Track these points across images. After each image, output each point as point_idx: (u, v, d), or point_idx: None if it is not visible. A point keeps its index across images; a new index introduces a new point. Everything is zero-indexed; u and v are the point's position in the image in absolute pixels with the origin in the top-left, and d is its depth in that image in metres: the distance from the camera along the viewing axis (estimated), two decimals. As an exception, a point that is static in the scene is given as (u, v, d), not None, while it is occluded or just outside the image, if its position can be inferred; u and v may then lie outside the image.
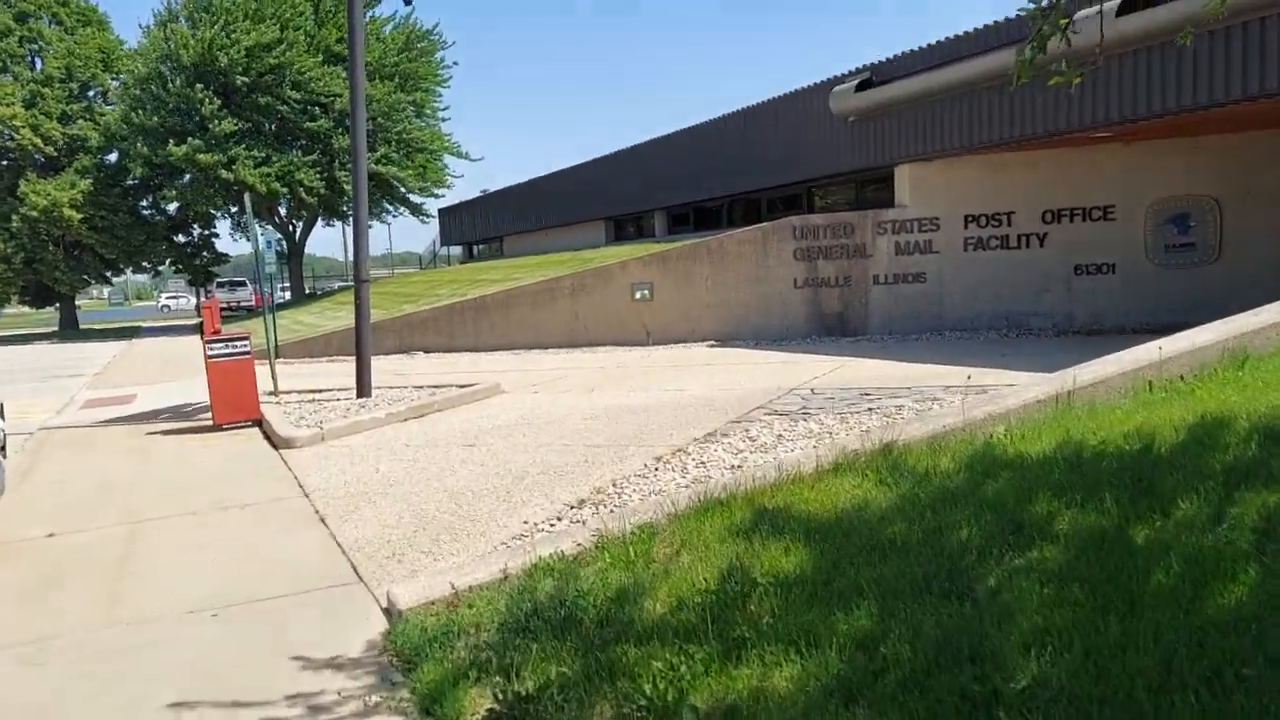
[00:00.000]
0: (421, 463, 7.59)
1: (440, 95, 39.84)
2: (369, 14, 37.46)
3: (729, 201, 21.34)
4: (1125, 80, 11.30)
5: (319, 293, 46.68)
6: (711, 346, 15.42)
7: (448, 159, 40.16)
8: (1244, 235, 13.60)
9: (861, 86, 15.02)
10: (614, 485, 6.29)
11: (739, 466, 6.29)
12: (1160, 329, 13.73)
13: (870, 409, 8.19)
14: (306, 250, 43.77)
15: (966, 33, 13.41)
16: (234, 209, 38.85)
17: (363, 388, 11.14)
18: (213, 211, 38.04)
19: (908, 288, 15.23)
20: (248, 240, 41.81)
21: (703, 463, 6.62)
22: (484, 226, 37.27)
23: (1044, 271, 14.59)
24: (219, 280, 47.06)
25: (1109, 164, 14.17)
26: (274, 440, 9.17)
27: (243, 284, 47.30)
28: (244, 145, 33.44)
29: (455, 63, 39.24)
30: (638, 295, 16.67)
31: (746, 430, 7.68)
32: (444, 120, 40.69)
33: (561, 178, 29.44)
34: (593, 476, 6.61)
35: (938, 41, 13.91)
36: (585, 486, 6.35)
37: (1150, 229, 14.09)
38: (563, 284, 17.21)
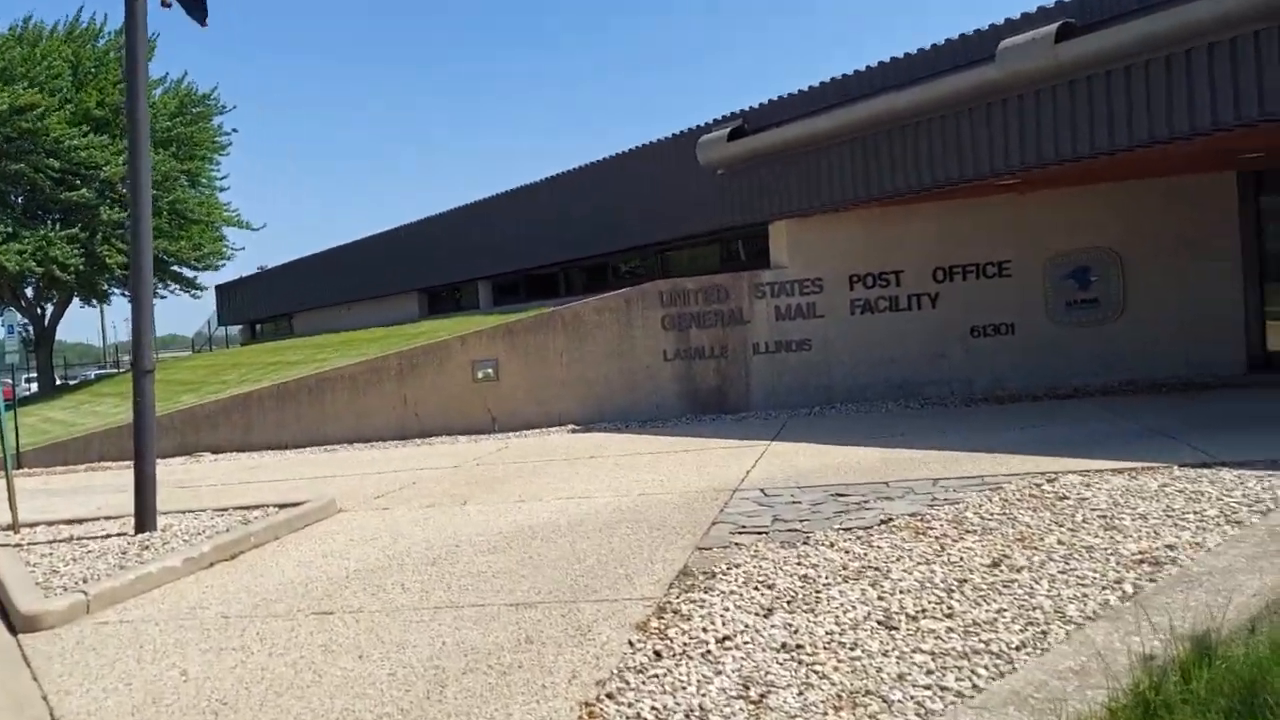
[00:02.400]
0: (257, 655, 4.88)
1: (218, 163, 36.16)
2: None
3: (567, 268, 19.26)
4: (1028, 123, 10.08)
5: (72, 382, 40.99)
6: (574, 432, 13.13)
7: (226, 230, 36.40)
8: (1148, 288, 12.77)
9: (734, 135, 13.39)
10: (608, 695, 3.89)
11: (800, 647, 4.06)
12: (1067, 393, 12.69)
13: (885, 519, 6.15)
14: (56, 336, 38.26)
15: (848, 75, 12.03)
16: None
17: (145, 516, 8.09)
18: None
19: (792, 356, 13.55)
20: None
21: (727, 637, 4.32)
22: (270, 302, 33.48)
23: (939, 334, 13.28)
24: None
25: (1002, 216, 13.11)
26: (8, 616, 6.11)
27: None
28: (-9, 222, 28.66)
29: (235, 130, 35.85)
30: (480, 375, 14.21)
31: (738, 566, 5.46)
32: (222, 189, 36.85)
33: (366, 247, 26.51)
34: (557, 674, 4.18)
35: (818, 85, 12.48)
36: (560, 701, 3.92)
37: (1050, 285, 13.07)
38: (389, 364, 14.50)
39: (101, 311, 41.15)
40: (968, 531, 5.66)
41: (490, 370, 14.19)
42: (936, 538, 5.58)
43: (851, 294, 13.43)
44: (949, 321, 13.23)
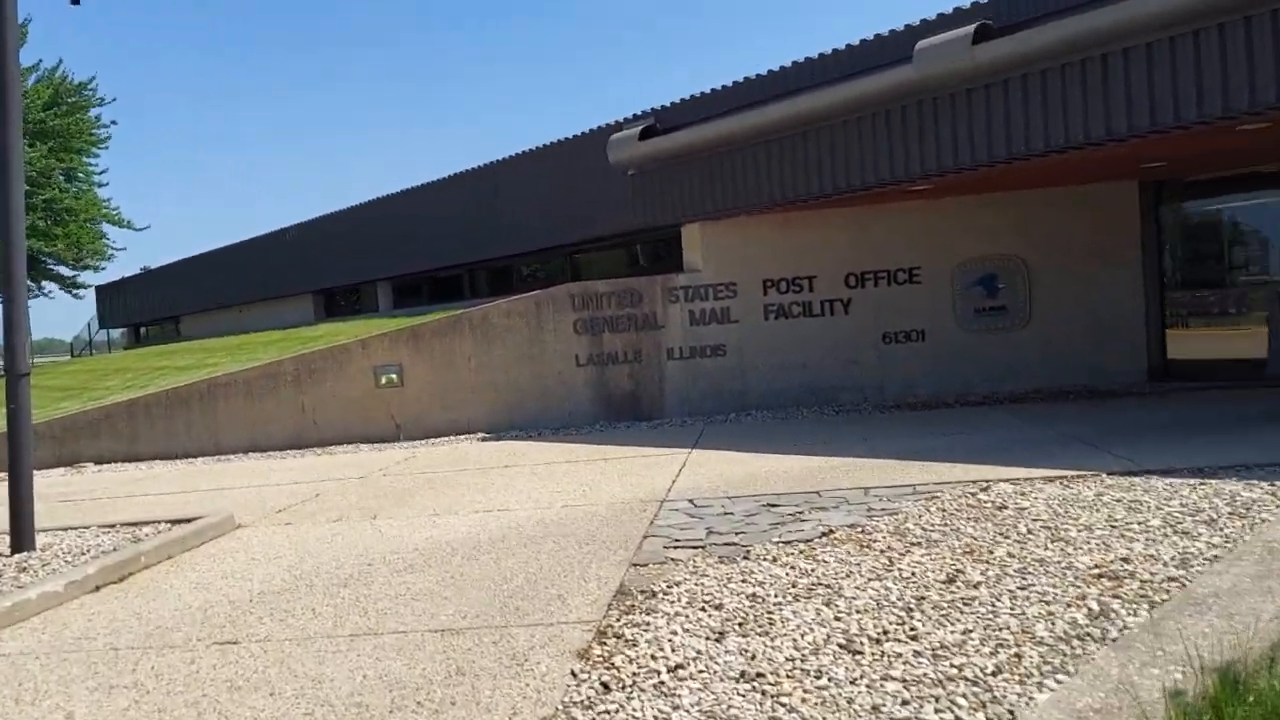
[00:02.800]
0: (154, 694, 4.37)
1: (97, 156, 34.35)
2: None
3: (472, 270, 18.74)
4: (944, 127, 10.10)
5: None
6: (484, 440, 12.68)
7: (107, 229, 34.62)
8: (1053, 296, 12.99)
9: (645, 134, 13.14)
10: (558, 733, 3.55)
11: (761, 675, 3.78)
12: (978, 400, 12.82)
13: (826, 532, 5.94)
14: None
15: (763, 75, 11.91)
16: None
17: (22, 534, 7.35)
18: None
19: (707, 362, 13.36)
20: None
21: (679, 666, 4.01)
22: (156, 304, 31.88)
23: (852, 340, 13.27)
24: None
25: (912, 223, 13.18)
26: None
27: None
28: None
29: (114, 122, 33.73)
30: (383, 380, 13.62)
31: (678, 584, 5.17)
32: (100, 185, 35.03)
33: (257, 246, 25.41)
34: (495, 712, 3.81)
35: (732, 84, 12.32)
36: (500, 737, 3.56)
37: (958, 292, 13.19)
38: (284, 369, 13.79)
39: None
40: (913, 544, 5.49)
41: (394, 375, 13.62)
42: (882, 551, 5.39)
43: (765, 299, 13.32)
44: (862, 328, 13.24)
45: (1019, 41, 9.16)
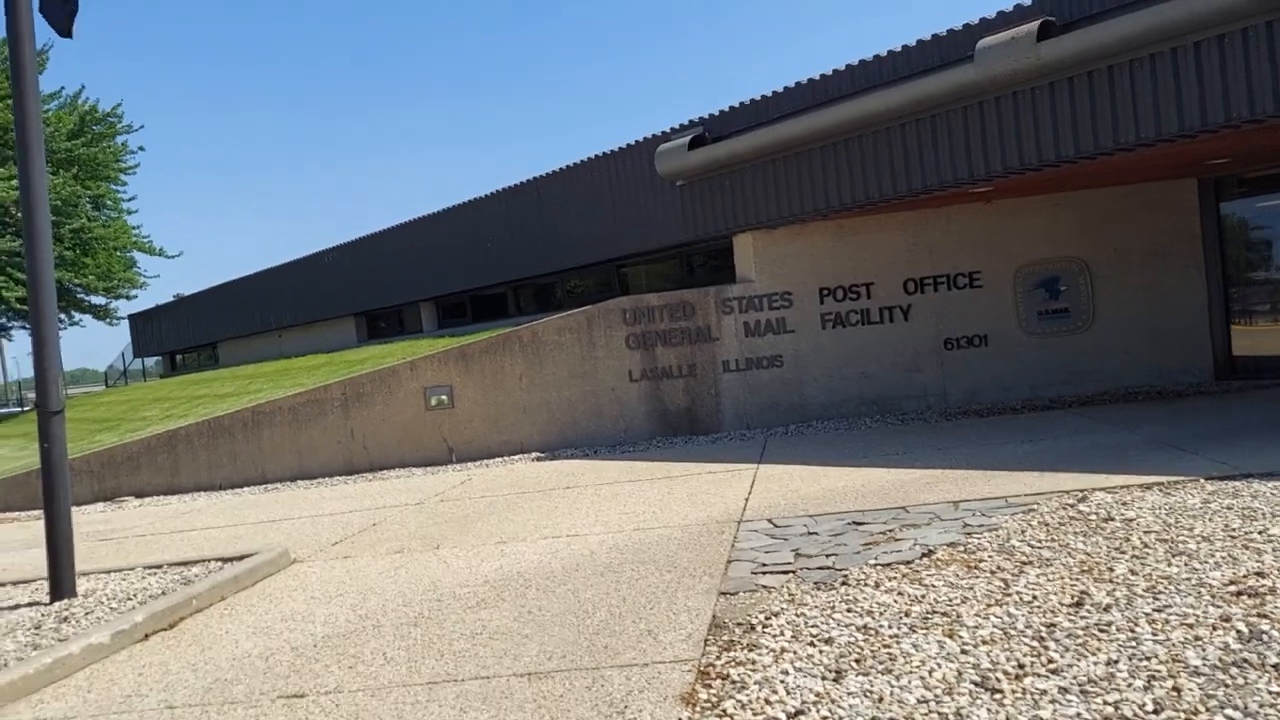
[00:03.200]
0: (229, 749, 4.09)
1: (125, 185, 34.58)
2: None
3: (517, 287, 18.50)
4: (1007, 126, 9.69)
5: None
6: (539, 460, 12.39)
7: (139, 256, 34.82)
8: (1116, 296, 12.52)
9: (695, 144, 12.84)
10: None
11: (897, 721, 3.43)
12: (1044, 405, 12.34)
13: (926, 552, 5.56)
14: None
15: (815, 79, 11.56)
16: None
17: (62, 580, 7.07)
18: None
19: (763, 374, 13.00)
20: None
21: (799, 712, 3.65)
22: (192, 331, 32.00)
23: (912, 347, 12.85)
24: None
25: (970, 226, 12.76)
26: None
27: None
28: None
29: (141, 148, 34.06)
30: (434, 402, 13.39)
31: (777, 615, 4.82)
32: (130, 213, 35.23)
33: (297, 269, 25.37)
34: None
35: (783, 89, 11.99)
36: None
37: (1020, 295, 12.74)
38: (332, 394, 13.60)
39: (0, 346, 38.98)
40: (1024, 563, 5.10)
41: (444, 397, 13.38)
42: (993, 572, 5.01)
43: (822, 308, 12.94)
44: (922, 334, 12.83)
45: (1084, 38, 8.76)
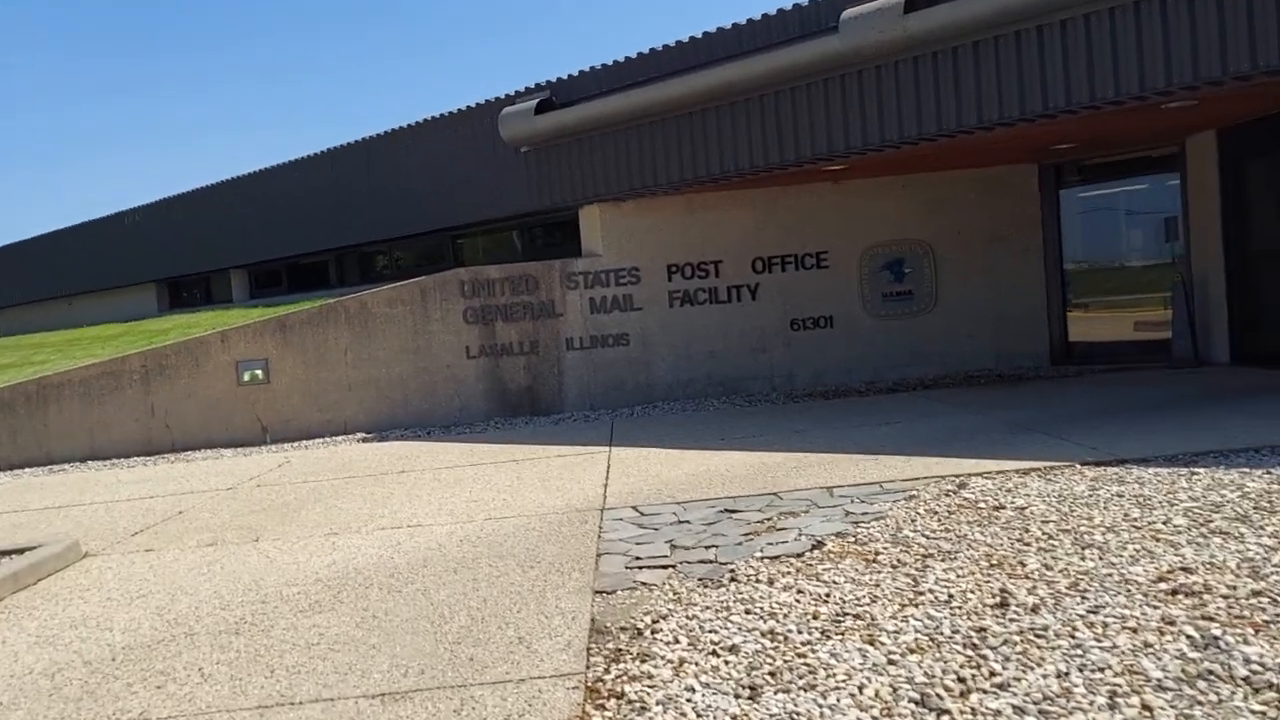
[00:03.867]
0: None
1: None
2: None
3: (340, 256, 17.27)
4: (869, 102, 9.51)
5: None
6: (366, 441, 11.45)
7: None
8: (959, 281, 12.68)
9: (542, 108, 12.13)
10: None
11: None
12: (888, 387, 12.38)
13: (815, 544, 5.13)
14: None
15: (670, 46, 11.09)
16: None
17: None
18: None
19: (609, 352, 12.48)
20: None
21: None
22: (-33, 296, 28.67)
23: (759, 328, 12.63)
24: None
25: (819, 206, 12.63)
26: None
27: None
28: None
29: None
30: (247, 377, 12.18)
31: (665, 618, 4.28)
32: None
33: (90, 230, 23.00)
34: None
35: (636, 55, 11.46)
36: None
37: (865, 277, 12.71)
38: (130, 366, 12.16)
39: None
40: (925, 556, 4.76)
41: (259, 371, 12.19)
42: (894, 566, 4.64)
43: (670, 285, 12.53)
44: (769, 314, 12.62)
45: (954, 10, 8.62)
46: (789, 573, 4.71)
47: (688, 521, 6.02)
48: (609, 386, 12.42)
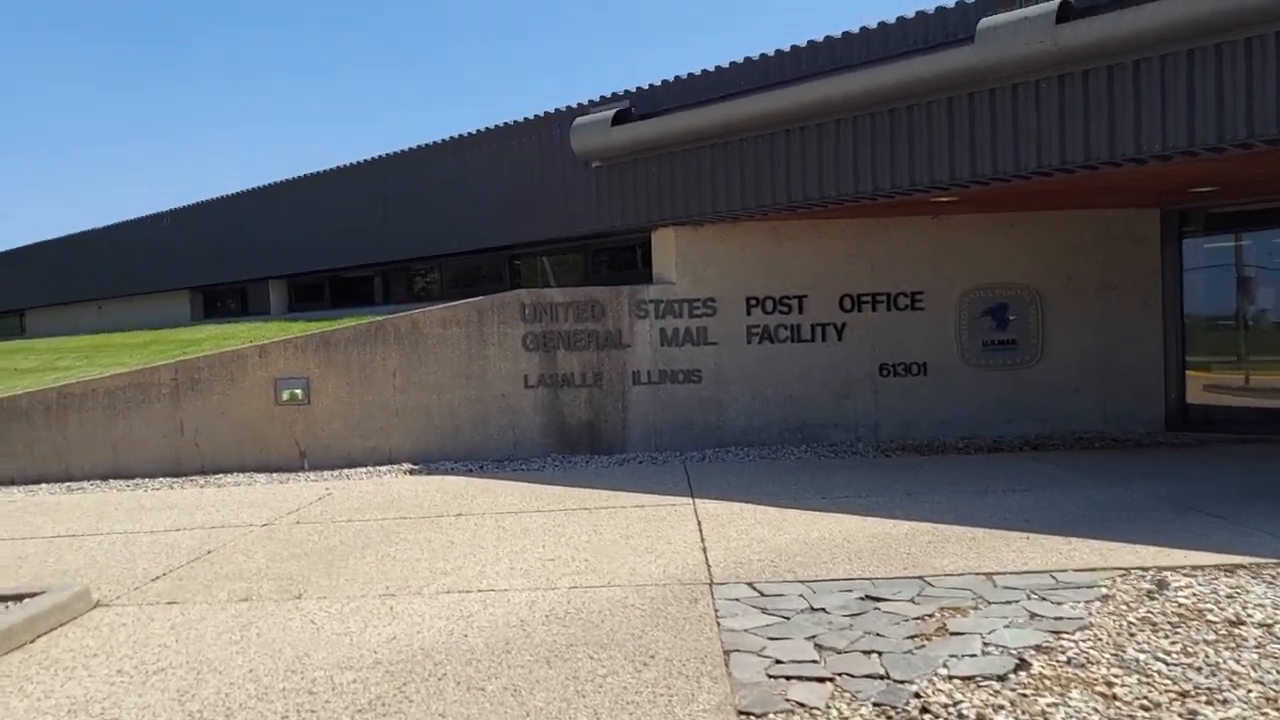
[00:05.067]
0: None
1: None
2: None
3: (387, 271, 16.34)
4: (1003, 123, 8.46)
5: None
6: (413, 474, 10.41)
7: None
8: (1067, 332, 11.53)
9: (619, 119, 11.16)
10: None
11: None
12: (988, 445, 11.19)
13: (1018, 662, 4.01)
14: None
15: (769, 55, 10.11)
16: None
17: None
18: None
19: (678, 389, 11.41)
20: None
21: None
22: (-3, 295, 28.05)
23: (845, 371, 11.52)
24: None
25: (916, 241, 11.55)
26: None
27: None
28: None
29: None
30: (286, 396, 11.21)
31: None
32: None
33: (124, 233, 22.25)
34: None
35: (726, 65, 10.47)
36: None
37: (964, 322, 11.59)
38: (160, 377, 11.22)
39: None
40: (1183, 695, 3.64)
41: (298, 391, 11.21)
42: (1147, 709, 3.51)
43: (749, 319, 11.46)
44: (856, 357, 11.51)
45: (1118, 21, 7.55)
46: (1002, 707, 3.59)
47: (824, 610, 4.91)
48: (676, 426, 11.35)
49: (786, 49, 9.90)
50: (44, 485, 10.70)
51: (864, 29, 9.28)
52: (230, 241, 19.02)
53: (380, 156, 15.58)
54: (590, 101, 11.76)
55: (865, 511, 7.27)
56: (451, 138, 14.04)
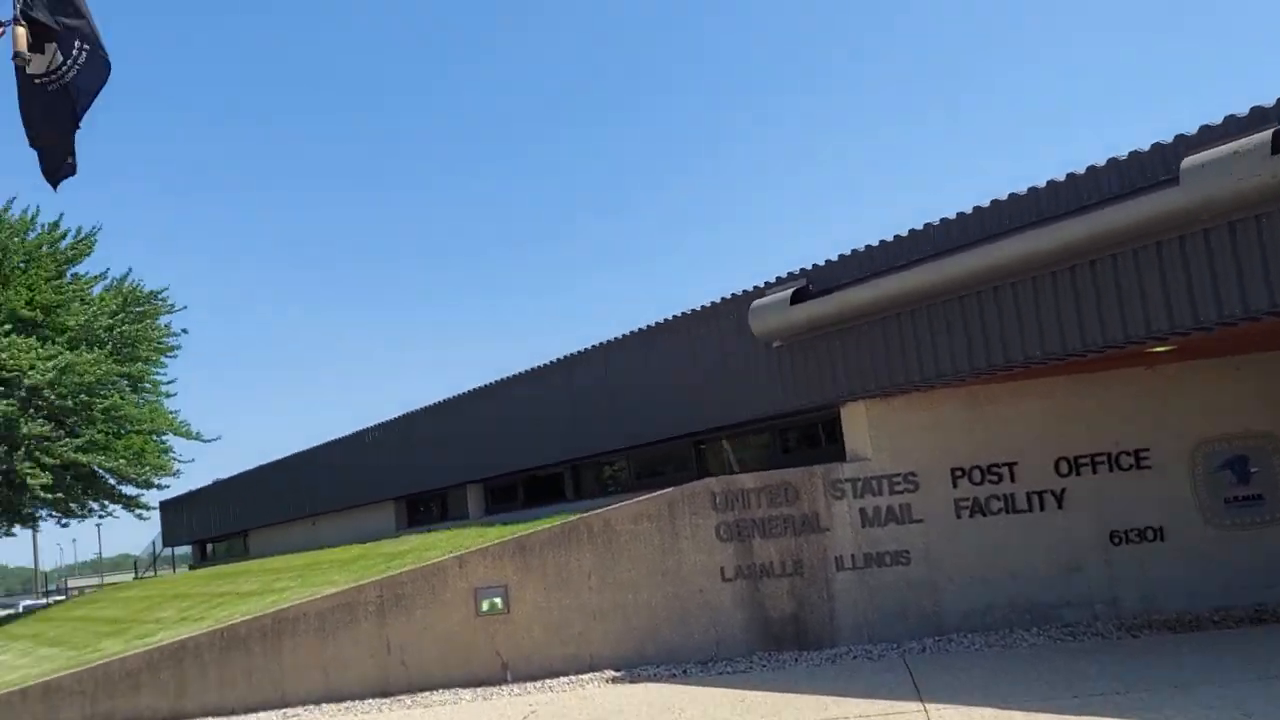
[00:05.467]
0: None
1: (165, 367, 33.19)
2: (73, 271, 31.10)
3: (576, 466, 16.47)
4: (1222, 267, 7.73)
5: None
6: (616, 682, 9.99)
7: (174, 441, 32.88)
8: (1325, 478, 10.23)
9: (797, 297, 11.02)
10: None
11: None
12: (1250, 616, 9.83)
13: None
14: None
15: (949, 219, 9.82)
16: None
17: None
18: None
19: (886, 573, 10.67)
20: None
21: None
22: (222, 519, 30.06)
23: (1070, 541, 10.52)
24: None
25: (1130, 394, 10.68)
26: None
27: None
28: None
29: (185, 330, 32.98)
30: (485, 606, 11.12)
31: None
32: (169, 395, 33.53)
33: (331, 451, 23.55)
34: None
35: (905, 234, 10.23)
36: None
37: (1200, 478, 10.48)
38: (366, 596, 11.37)
39: (34, 539, 37.12)
40: None
41: (498, 600, 11.12)
42: None
43: (955, 492, 10.73)
44: (1081, 525, 10.53)
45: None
46: None
47: None
48: (889, 615, 10.55)
49: (969, 210, 9.61)
50: (260, 713, 10.84)
51: (1052, 182, 8.89)
52: (429, 450, 19.75)
53: (566, 356, 15.97)
54: (766, 283, 11.72)
55: (1132, 712, 6.33)
56: (630, 332, 14.27)
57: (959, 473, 10.77)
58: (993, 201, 9.33)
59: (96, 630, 18.44)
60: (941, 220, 9.84)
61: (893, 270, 10.09)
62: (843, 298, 10.57)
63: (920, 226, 10.03)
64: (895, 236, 10.27)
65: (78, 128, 7.69)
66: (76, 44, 7.31)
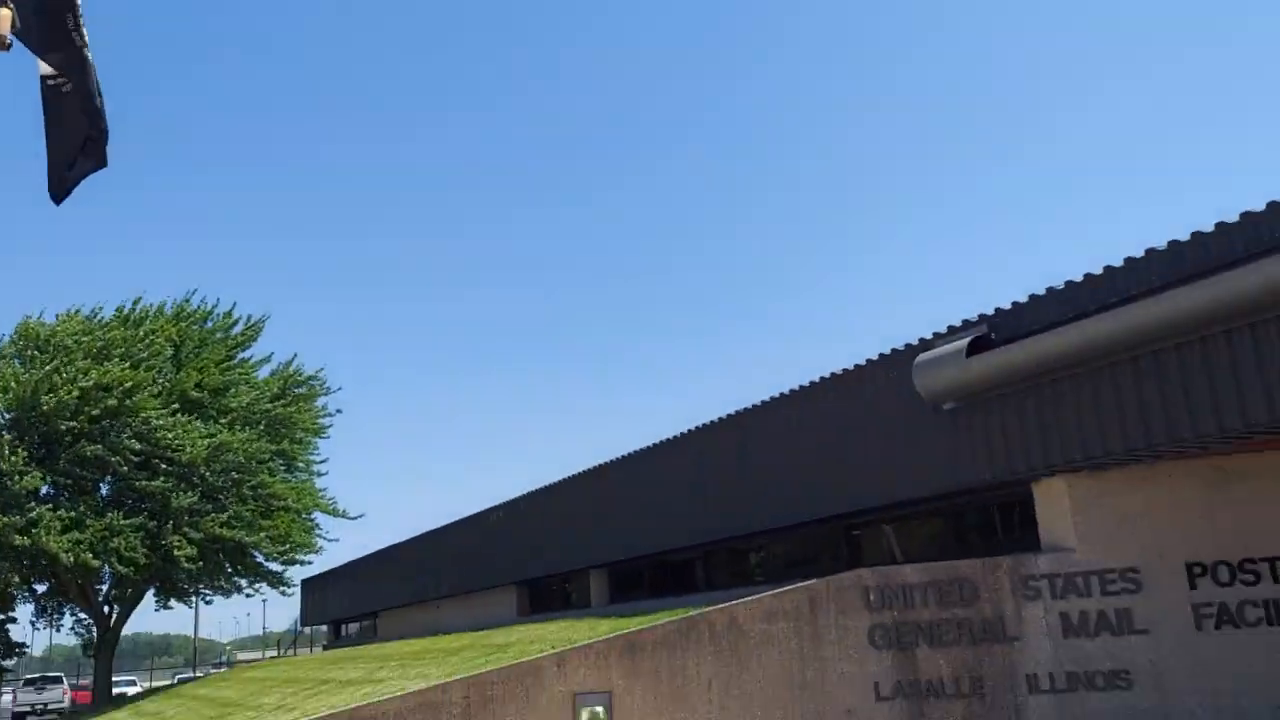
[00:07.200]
0: None
1: (317, 446, 33.30)
2: (241, 355, 31.85)
3: (709, 552, 14.42)
4: None
5: (131, 691, 37.13)
6: (738, 827, 7.79)
7: (320, 518, 32.70)
8: None
9: (975, 347, 8.84)
10: None
11: None
12: None
13: None
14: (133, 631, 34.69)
15: (1176, 242, 7.54)
16: (39, 587, 30.55)
17: None
18: (9, 590, 29.03)
19: (1097, 698, 8.15)
20: (55, 628, 33.69)
21: None
22: (354, 600, 29.21)
23: (1361, 664, 7.79)
24: (26, 677, 39.25)
25: None
26: None
27: (57, 680, 38.26)
28: (52, 505, 25.82)
29: (339, 411, 32.83)
30: (586, 716, 9.15)
31: None
32: (320, 474, 33.60)
33: (457, 532, 22.23)
34: None
35: (1119, 265, 7.97)
36: None
37: None
38: (450, 696, 9.57)
39: (196, 605, 37.37)
40: None
41: (600, 710, 9.14)
42: None
43: (1194, 595, 8.19)
44: (1376, 641, 7.78)
45: None
46: None
47: None
48: (1104, 755, 7.99)
49: (1206, 230, 7.34)
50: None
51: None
52: (552, 532, 18.12)
53: (697, 427, 14.09)
54: (936, 333, 9.60)
55: None
56: (769, 399, 12.29)
57: (1198, 569, 8.23)
58: (1245, 214, 7.01)
59: (203, 713, 17.53)
60: (1171, 244, 7.55)
61: (1106, 308, 7.83)
62: (1036, 345, 8.35)
63: (1141, 254, 7.76)
64: (1106, 268, 8.02)
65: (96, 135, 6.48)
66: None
